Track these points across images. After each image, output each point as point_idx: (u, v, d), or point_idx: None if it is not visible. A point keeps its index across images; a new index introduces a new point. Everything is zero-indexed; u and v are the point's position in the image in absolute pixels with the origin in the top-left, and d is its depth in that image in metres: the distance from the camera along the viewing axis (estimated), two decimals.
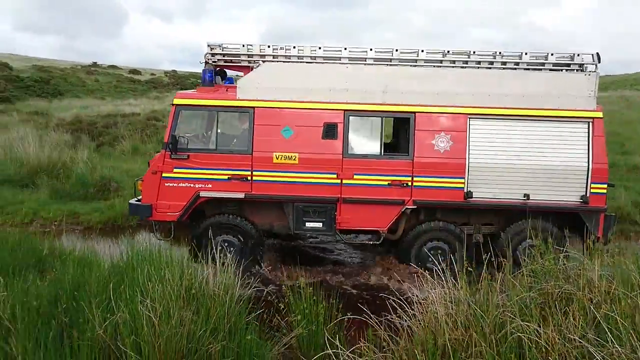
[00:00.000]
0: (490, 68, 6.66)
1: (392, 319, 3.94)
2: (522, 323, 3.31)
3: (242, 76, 7.05)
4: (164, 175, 6.66)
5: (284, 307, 4.50)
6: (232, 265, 4.69)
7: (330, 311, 4.39)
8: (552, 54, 6.60)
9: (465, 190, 6.49)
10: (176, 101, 6.75)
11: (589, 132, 6.44)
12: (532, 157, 6.44)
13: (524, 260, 4.56)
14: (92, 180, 10.50)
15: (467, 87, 6.49)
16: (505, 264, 4.27)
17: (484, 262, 4.46)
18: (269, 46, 6.81)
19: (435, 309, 3.67)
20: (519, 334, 3.28)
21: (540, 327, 3.28)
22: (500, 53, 6.68)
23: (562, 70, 6.65)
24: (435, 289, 3.90)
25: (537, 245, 4.56)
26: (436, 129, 6.52)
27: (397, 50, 6.67)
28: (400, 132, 7.44)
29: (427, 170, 6.52)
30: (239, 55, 7.00)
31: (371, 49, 6.71)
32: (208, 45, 6.97)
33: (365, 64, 6.72)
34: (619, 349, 3.00)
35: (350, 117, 6.60)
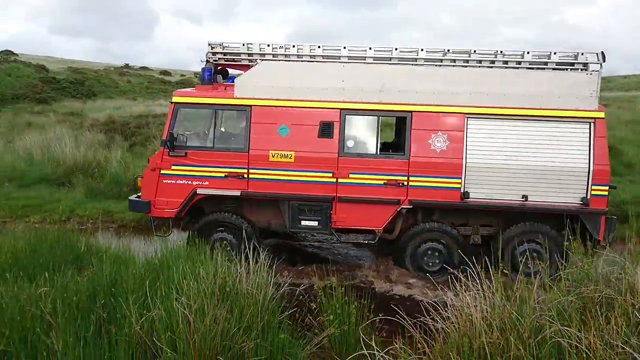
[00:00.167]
0: (491, 67, 6.52)
1: (425, 321, 3.90)
2: (561, 327, 3.23)
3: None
4: (162, 172, 6.71)
5: (316, 307, 4.49)
6: (266, 264, 4.72)
7: (362, 312, 4.36)
8: (555, 53, 6.42)
9: (462, 191, 6.39)
10: (175, 99, 6.80)
11: (590, 133, 6.26)
12: (531, 158, 6.29)
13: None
14: (125, 180, 10.73)
15: (464, 86, 6.38)
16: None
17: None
18: (268, 45, 6.83)
19: (470, 311, 3.62)
20: (558, 338, 3.20)
21: (580, 332, 3.20)
22: (501, 52, 6.54)
23: (566, 69, 6.46)
24: (469, 292, 3.84)
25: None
26: (433, 128, 6.44)
27: (396, 49, 6.60)
28: (402, 131, 7.35)
29: (423, 170, 6.45)
30: (239, 54, 7.03)
31: (370, 48, 6.64)
32: (209, 44, 7.01)
33: (361, 63, 6.65)
34: None
35: (347, 116, 6.57)
